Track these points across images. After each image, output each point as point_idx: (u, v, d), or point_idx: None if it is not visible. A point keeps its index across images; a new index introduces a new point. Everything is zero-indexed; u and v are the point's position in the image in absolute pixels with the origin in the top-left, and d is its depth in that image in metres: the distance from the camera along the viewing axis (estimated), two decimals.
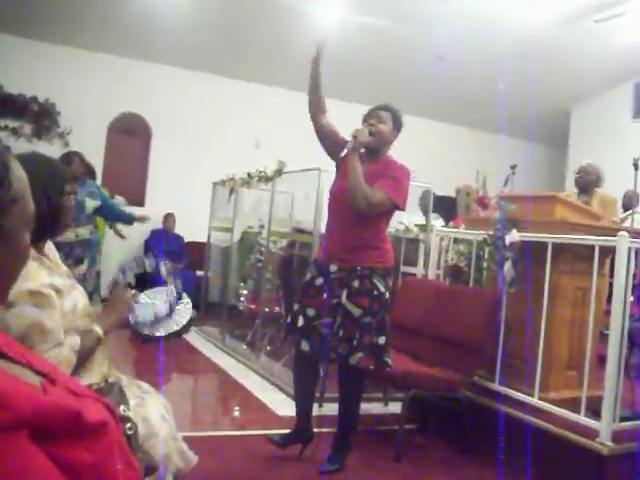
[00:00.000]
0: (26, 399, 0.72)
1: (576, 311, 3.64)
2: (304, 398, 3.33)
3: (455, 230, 4.78)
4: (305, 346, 3.15)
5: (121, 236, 6.97)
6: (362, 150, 3.15)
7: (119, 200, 7.47)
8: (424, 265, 4.97)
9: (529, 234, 3.61)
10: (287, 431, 3.37)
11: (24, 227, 0.89)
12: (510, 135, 9.53)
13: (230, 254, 6.80)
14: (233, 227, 6.50)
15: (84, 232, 4.88)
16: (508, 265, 3.65)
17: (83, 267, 4.81)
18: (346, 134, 3.16)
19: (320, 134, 3.21)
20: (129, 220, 5.53)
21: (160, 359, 4.42)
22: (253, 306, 6.09)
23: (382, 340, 3.08)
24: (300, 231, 5.41)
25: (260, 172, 5.80)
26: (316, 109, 3.16)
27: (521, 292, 3.68)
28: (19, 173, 0.88)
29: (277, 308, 5.94)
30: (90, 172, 5.73)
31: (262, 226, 6.04)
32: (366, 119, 3.20)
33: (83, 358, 1.73)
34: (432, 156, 8.88)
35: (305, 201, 5.48)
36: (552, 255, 3.50)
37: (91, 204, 4.98)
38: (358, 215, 3.04)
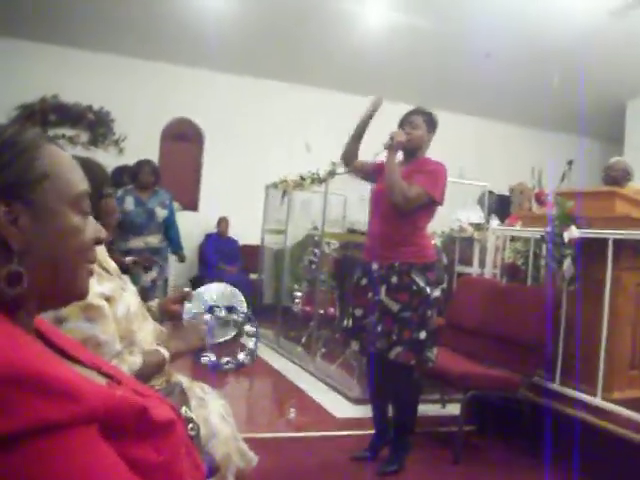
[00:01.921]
0: (97, 394, 0.74)
1: (638, 307, 3.55)
2: (381, 398, 3.38)
3: (512, 228, 4.71)
4: (355, 345, 3.28)
5: (179, 256, 5.62)
6: (399, 153, 3.22)
7: (174, 206, 7.59)
8: (480, 264, 4.92)
9: (589, 230, 3.55)
10: (366, 442, 3.39)
11: (65, 205, 0.85)
12: (565, 131, 9.34)
13: (283, 256, 6.85)
14: (286, 229, 6.55)
15: (154, 240, 5.00)
16: (567, 262, 3.59)
17: (153, 274, 4.91)
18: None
19: (352, 172, 3.48)
20: (176, 248, 5.36)
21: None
22: (308, 308, 6.13)
23: (423, 335, 3.09)
24: (354, 232, 5.42)
25: (313, 174, 5.84)
26: (350, 157, 3.35)
27: (581, 290, 3.61)
28: (53, 151, 0.86)
29: (332, 310, 5.96)
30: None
31: (316, 228, 6.05)
32: (400, 126, 3.26)
33: (146, 377, 1.67)
34: (485, 155, 8.77)
35: (359, 202, 5.49)
36: (613, 251, 3.43)
37: (161, 213, 5.08)
38: (396, 212, 3.11)
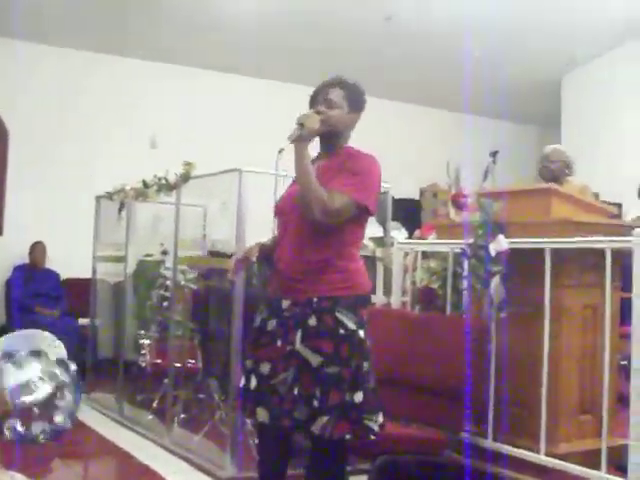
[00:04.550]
0: None
1: (587, 336, 3.70)
2: None
3: (423, 242, 4.79)
4: (262, 415, 3.00)
5: None
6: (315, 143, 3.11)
7: None
8: (385, 291, 4.96)
9: (520, 239, 3.64)
10: None
11: None
12: (486, 114, 9.72)
13: (124, 292, 6.65)
14: (126, 255, 6.36)
15: None
16: (495, 282, 3.67)
17: None
18: None
19: None
20: None
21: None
22: (159, 361, 6.00)
23: (359, 397, 2.91)
24: (218, 254, 5.33)
25: (160, 179, 5.70)
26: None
27: (514, 316, 3.69)
28: None
29: (192, 361, 5.84)
30: None
31: (165, 252, 5.92)
32: (312, 103, 3.15)
33: None
34: (385, 148, 8.95)
35: (222, 213, 5.41)
36: (552, 264, 3.53)
37: None
38: (313, 226, 2.96)
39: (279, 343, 2.98)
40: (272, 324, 3.04)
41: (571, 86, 9.74)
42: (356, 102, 3.15)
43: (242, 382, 3.13)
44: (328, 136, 3.11)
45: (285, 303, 3.01)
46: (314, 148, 3.05)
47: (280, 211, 3.19)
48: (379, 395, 3.06)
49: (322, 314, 2.92)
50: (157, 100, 8.55)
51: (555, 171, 4.73)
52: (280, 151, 2.99)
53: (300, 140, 2.95)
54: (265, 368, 3.01)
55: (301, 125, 2.96)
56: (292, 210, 3.05)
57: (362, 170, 3.02)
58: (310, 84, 3.27)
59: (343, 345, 2.91)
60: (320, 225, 2.94)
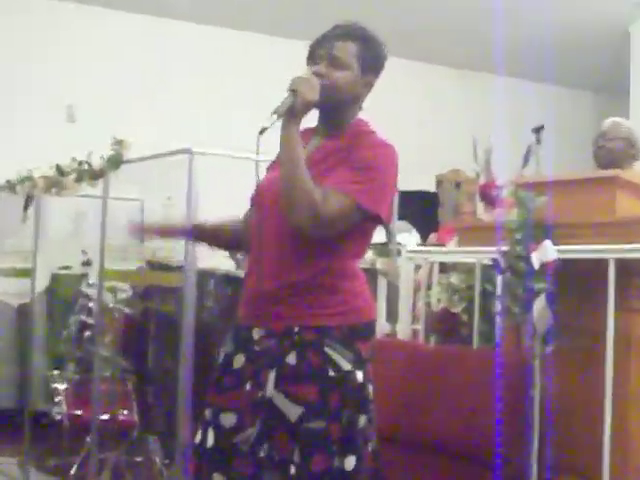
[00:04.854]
0: None
1: None
2: None
3: (441, 249, 4.78)
4: None
5: None
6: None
7: None
8: (389, 316, 4.95)
9: (574, 247, 3.65)
10: None
11: None
12: (529, 78, 9.73)
13: (31, 318, 6.63)
14: (34, 267, 6.33)
15: None
16: (540, 304, 3.66)
17: None
18: None
19: None
20: None
21: None
22: (80, 412, 5.97)
23: (351, 462, 2.89)
24: (160, 267, 5.32)
25: (80, 163, 5.68)
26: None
27: (565, 351, 3.68)
28: None
29: (125, 412, 5.82)
30: None
31: (88, 262, 5.90)
32: (311, 60, 3.09)
33: None
34: (391, 120, 8.96)
35: (166, 211, 5.40)
36: (617, 281, 3.52)
37: None
38: (301, 235, 2.91)
39: (248, 387, 2.96)
40: (239, 361, 3.03)
41: None
42: (373, 61, 3.11)
43: (197, 438, 3.10)
44: (331, 107, 3.05)
45: (257, 333, 2.99)
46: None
47: (255, 204, 3.15)
48: (380, 460, 3.06)
49: (305, 349, 2.90)
50: (76, 55, 8.57)
51: (614, 152, 4.73)
52: (262, 131, 2.89)
53: (288, 114, 2.87)
54: (228, 420, 2.99)
55: (293, 92, 2.87)
56: (271, 205, 2.99)
57: (375, 164, 2.95)
58: (299, 37, 3.24)
59: (333, 392, 2.88)
60: (308, 235, 2.90)
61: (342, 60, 3.02)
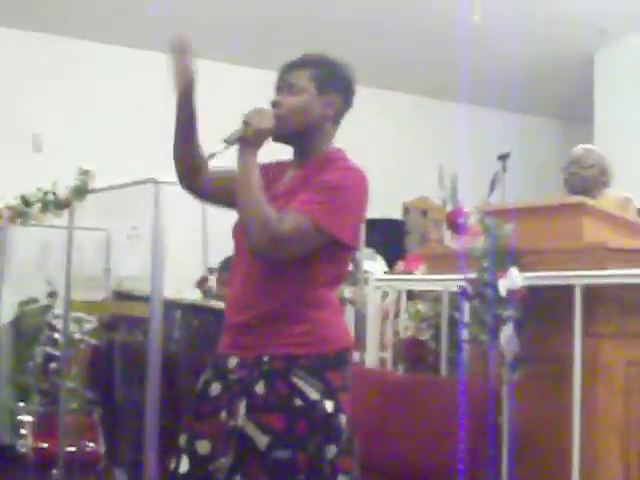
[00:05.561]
0: None
1: (632, 403, 3.67)
2: None
3: (409, 277, 4.78)
4: None
5: None
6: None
7: None
8: (357, 344, 4.94)
9: (540, 274, 3.65)
10: None
11: None
12: (494, 106, 9.79)
13: None
14: None
15: None
16: (507, 332, 3.66)
17: None
18: None
19: (199, 196, 3.32)
20: None
21: None
22: (45, 445, 5.93)
23: None
24: (126, 297, 5.29)
25: (46, 193, 5.65)
26: (184, 169, 3.20)
27: (532, 378, 3.68)
28: None
29: (91, 444, 5.76)
30: None
31: (54, 293, 5.85)
32: (276, 90, 3.12)
33: None
34: (357, 147, 9.00)
35: (132, 241, 5.37)
36: (584, 307, 3.53)
37: None
38: (266, 263, 2.93)
39: (223, 415, 2.96)
40: (216, 389, 3.02)
41: (606, 65, 9.84)
42: (331, 80, 3.09)
43: (172, 465, 3.08)
44: (296, 134, 3.07)
45: (232, 362, 2.99)
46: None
47: (233, 237, 3.13)
48: None
49: (274, 378, 2.89)
50: (42, 84, 8.55)
51: (588, 180, 4.76)
52: (210, 156, 2.94)
53: (242, 143, 2.92)
54: (203, 447, 2.98)
55: (245, 123, 2.92)
56: (242, 236, 2.99)
57: (336, 184, 2.93)
58: (268, 67, 3.25)
59: (299, 421, 2.87)
60: (270, 260, 2.91)
61: (298, 86, 3.04)
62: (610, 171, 4.87)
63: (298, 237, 2.84)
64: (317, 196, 2.87)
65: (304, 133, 3.07)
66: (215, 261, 6.35)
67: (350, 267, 5.02)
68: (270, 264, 2.92)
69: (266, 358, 2.91)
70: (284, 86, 3.07)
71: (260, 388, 2.89)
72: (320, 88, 3.05)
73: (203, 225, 6.72)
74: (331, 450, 2.89)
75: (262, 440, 2.85)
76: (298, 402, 2.86)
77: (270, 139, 3.02)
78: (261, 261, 2.93)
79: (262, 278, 2.95)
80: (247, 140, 2.91)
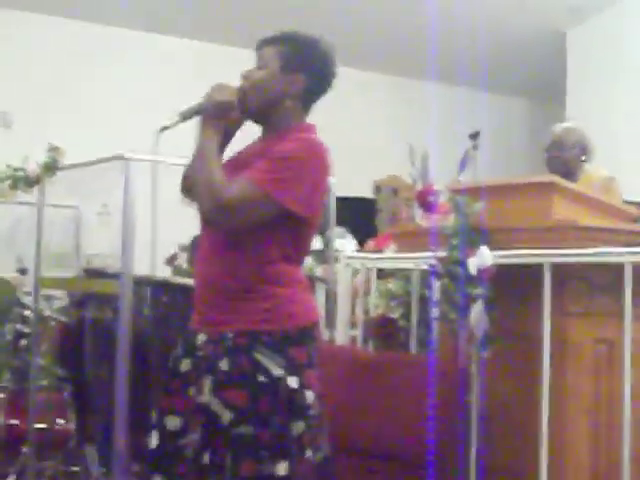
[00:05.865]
0: None
1: (601, 381, 3.69)
2: None
3: (379, 256, 4.78)
4: None
5: None
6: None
7: None
8: (327, 322, 4.94)
9: (510, 252, 3.65)
10: None
11: None
12: (465, 85, 9.78)
13: None
14: None
15: None
16: (476, 310, 3.66)
17: None
18: None
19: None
20: None
21: None
22: (16, 422, 5.86)
23: (282, 470, 2.87)
24: (96, 274, 5.26)
25: (15, 170, 5.61)
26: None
27: (501, 355, 3.68)
28: None
29: (62, 421, 5.74)
30: None
31: (23, 270, 5.82)
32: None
33: None
34: (328, 127, 9.00)
35: (102, 219, 5.35)
36: (553, 285, 3.54)
37: None
38: (229, 236, 2.96)
39: (192, 391, 2.98)
40: (186, 365, 3.06)
41: (579, 43, 9.84)
42: (297, 59, 3.12)
43: (153, 442, 3.10)
44: (258, 108, 3.12)
45: (200, 338, 3.02)
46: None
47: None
48: (329, 468, 3.06)
49: (237, 355, 2.92)
50: (10, 60, 8.47)
51: (570, 161, 4.76)
52: (162, 129, 2.98)
53: (203, 115, 3.02)
54: (172, 423, 3.01)
55: (206, 96, 3.03)
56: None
57: (293, 155, 2.96)
58: (240, 45, 3.27)
59: (262, 397, 2.89)
60: (225, 230, 2.97)
61: (263, 62, 3.12)
62: (590, 147, 4.88)
63: (245, 204, 2.88)
64: (269, 165, 2.91)
65: (265, 109, 3.12)
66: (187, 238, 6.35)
67: (320, 245, 5.03)
68: (230, 239, 2.96)
69: (230, 335, 2.94)
70: (257, 61, 3.14)
71: (224, 364, 2.92)
72: (284, 66, 3.10)
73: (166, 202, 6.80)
74: (298, 426, 2.92)
75: (226, 416, 2.88)
76: (261, 378, 2.89)
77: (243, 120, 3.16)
78: (214, 229, 2.99)
79: (223, 254, 2.99)
80: (207, 112, 3.00)
